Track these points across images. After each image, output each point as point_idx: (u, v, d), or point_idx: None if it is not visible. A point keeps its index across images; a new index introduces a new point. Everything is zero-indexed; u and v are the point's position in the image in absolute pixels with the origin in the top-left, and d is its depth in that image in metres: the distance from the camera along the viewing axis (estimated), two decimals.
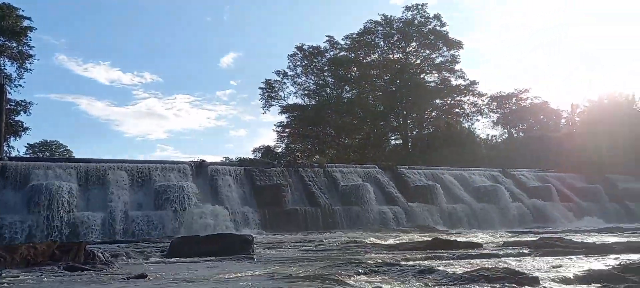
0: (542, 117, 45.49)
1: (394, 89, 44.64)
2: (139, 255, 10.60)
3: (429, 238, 12.39)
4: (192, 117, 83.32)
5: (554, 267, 8.25)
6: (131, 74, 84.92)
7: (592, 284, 6.38)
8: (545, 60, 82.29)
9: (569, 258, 9.42)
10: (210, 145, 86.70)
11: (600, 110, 37.61)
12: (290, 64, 45.80)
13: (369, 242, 12.75)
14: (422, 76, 46.18)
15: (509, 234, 16.96)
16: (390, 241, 13.28)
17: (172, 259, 9.86)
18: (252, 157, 32.99)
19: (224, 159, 30.88)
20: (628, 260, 8.57)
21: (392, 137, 47.26)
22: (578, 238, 13.18)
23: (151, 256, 10.55)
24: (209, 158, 23.57)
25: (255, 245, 11.18)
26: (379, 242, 13.05)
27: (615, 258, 9.24)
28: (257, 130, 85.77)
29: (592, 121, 36.76)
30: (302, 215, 20.94)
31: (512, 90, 46.55)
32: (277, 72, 45.79)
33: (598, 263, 8.69)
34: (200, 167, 21.86)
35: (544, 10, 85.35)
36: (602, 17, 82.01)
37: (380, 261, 8.44)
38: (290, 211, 20.94)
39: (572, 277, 7.08)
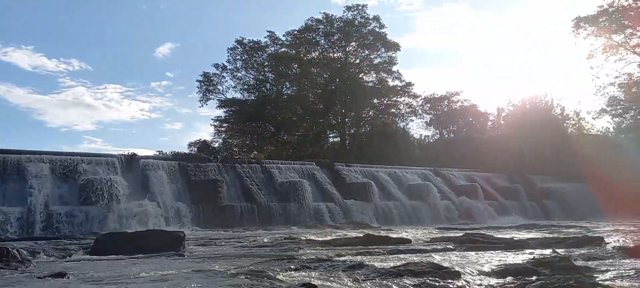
0: (471, 119, 47.98)
1: (333, 87, 45.17)
2: (60, 252, 10.00)
3: (362, 235, 12.68)
4: (124, 108, 79.46)
5: (475, 261, 8.75)
6: (57, 60, 79.35)
7: (508, 277, 6.84)
8: (475, 64, 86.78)
9: (490, 253, 10.03)
10: (143, 138, 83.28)
11: (523, 114, 40.27)
12: (229, 57, 45.04)
13: (303, 239, 12.84)
14: (360, 76, 47.10)
15: (437, 230, 17.76)
16: (325, 237, 13.46)
17: (97, 257, 9.40)
18: (187, 151, 32.09)
19: (157, 153, 29.81)
20: (541, 254, 9.26)
21: (331, 135, 47.87)
22: (499, 234, 14.04)
23: (74, 253, 9.99)
24: (142, 152, 22.67)
25: (187, 242, 10.91)
26: (314, 238, 13.19)
27: (530, 253, 9.96)
28: (194, 124, 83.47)
29: (516, 124, 39.26)
30: (238, 211, 20.69)
31: (444, 92, 48.77)
32: (216, 66, 44.87)
33: (514, 258, 9.32)
34: (130, 161, 20.93)
35: (475, 16, 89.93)
36: (529, 25, 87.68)
37: (313, 257, 8.53)
38: (225, 207, 20.61)
39: (490, 271, 7.55)
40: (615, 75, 34.99)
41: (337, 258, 8.30)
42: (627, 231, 14.28)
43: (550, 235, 13.20)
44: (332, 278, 5.88)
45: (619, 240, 10.87)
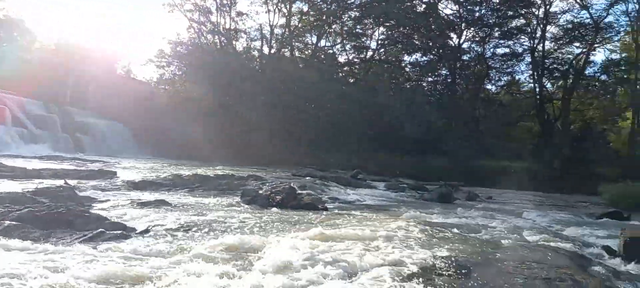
0: (15, 34, 41.40)
1: None
2: None
3: None
4: None
5: None
6: None
7: None
8: None
9: None
10: None
11: (77, 49, 38.15)
12: None
13: None
14: None
15: None
16: None
17: None
18: None
19: None
20: (51, 185, 9.01)
21: None
22: (16, 163, 12.78)
23: None
24: None
25: None
26: None
27: (40, 183, 9.55)
28: None
29: (69, 55, 36.80)
30: None
31: None
32: None
33: (18, 186, 8.68)
34: None
35: None
36: None
37: None
38: None
39: None
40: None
41: None
42: (142, 168, 16.02)
43: (70, 167, 13.14)
44: None
45: (130, 176, 12.02)
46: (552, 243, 6.78)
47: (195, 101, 32.46)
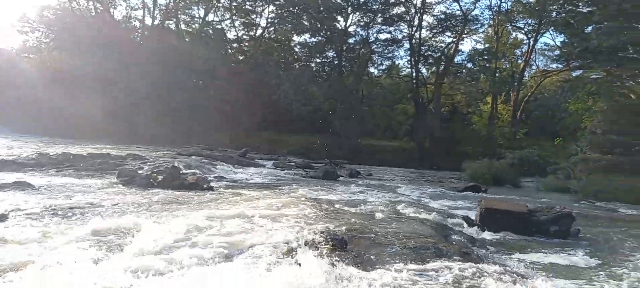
0: None
1: None
2: None
3: None
4: None
5: None
6: None
7: None
8: None
9: None
10: None
11: None
12: None
13: None
14: None
15: None
16: None
17: None
18: None
19: None
20: None
21: None
22: None
23: None
24: None
25: None
26: None
27: None
28: None
29: None
30: None
31: None
32: None
33: None
34: None
35: None
36: None
37: None
38: None
39: None
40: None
41: None
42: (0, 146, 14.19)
43: None
44: None
45: None
46: (420, 215, 7.45)
47: (67, 72, 29.32)
